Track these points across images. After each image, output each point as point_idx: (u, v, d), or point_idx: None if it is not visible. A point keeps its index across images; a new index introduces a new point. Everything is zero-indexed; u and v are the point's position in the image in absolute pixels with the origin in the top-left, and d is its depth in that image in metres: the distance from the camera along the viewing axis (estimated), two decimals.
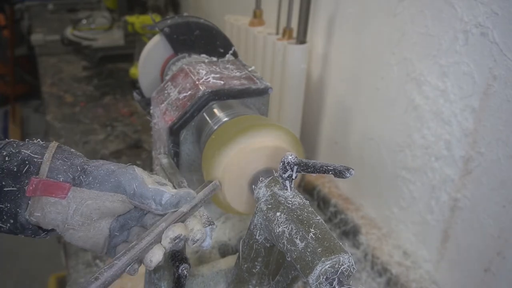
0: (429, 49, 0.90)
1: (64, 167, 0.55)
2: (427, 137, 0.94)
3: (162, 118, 0.80)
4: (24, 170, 0.53)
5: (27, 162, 0.54)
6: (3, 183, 0.53)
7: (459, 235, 0.91)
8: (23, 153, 0.55)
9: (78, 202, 0.54)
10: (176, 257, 0.63)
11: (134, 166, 0.58)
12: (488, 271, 0.85)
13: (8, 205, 0.53)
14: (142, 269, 1.00)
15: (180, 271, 0.62)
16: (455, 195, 0.90)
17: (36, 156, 0.55)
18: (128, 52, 2.08)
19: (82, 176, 0.55)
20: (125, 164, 0.59)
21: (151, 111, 0.88)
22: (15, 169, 0.53)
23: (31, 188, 0.52)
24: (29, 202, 0.53)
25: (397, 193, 1.05)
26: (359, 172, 1.17)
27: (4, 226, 0.54)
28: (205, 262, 0.80)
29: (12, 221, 0.54)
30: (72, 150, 0.59)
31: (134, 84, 1.74)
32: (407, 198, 1.03)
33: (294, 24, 1.19)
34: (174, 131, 0.78)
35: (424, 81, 0.92)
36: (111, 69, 2.21)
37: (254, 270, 0.62)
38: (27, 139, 0.59)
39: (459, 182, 0.89)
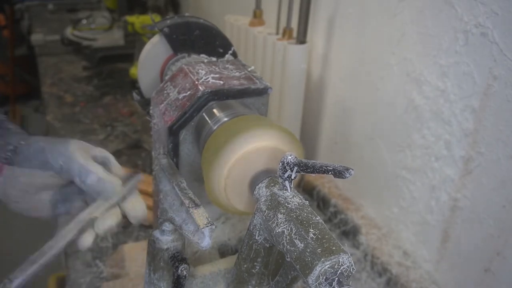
0: (429, 49, 0.90)
1: None
2: (427, 137, 0.94)
3: (161, 118, 0.80)
4: None
5: None
6: None
7: (459, 235, 0.91)
8: None
9: (12, 179, 0.57)
10: (175, 258, 0.63)
11: (71, 141, 0.58)
12: (488, 271, 0.85)
13: None
14: (142, 269, 1.00)
15: (179, 271, 0.62)
16: (455, 195, 0.90)
17: None
18: (128, 52, 2.08)
19: (14, 156, 0.57)
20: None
21: (151, 111, 0.88)
22: None
23: None
24: None
25: (397, 193, 1.05)
26: (359, 172, 1.16)
27: None
28: (205, 262, 0.80)
29: None
30: (10, 125, 0.60)
31: (134, 84, 1.74)
32: (407, 198, 1.02)
33: (294, 24, 1.19)
34: (174, 131, 0.78)
35: (424, 81, 0.92)
36: (111, 69, 2.21)
37: (253, 271, 0.62)
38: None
39: (459, 182, 0.89)
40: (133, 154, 1.52)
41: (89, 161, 0.56)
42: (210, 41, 0.96)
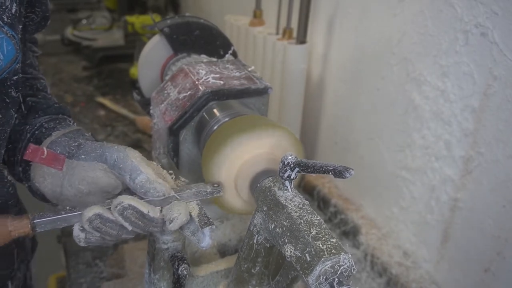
0: (429, 49, 0.90)
1: (65, 143, 0.61)
2: (427, 137, 0.94)
3: (162, 118, 0.80)
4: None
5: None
6: None
7: (459, 235, 0.91)
8: (55, 128, 0.64)
9: (69, 172, 0.59)
10: (176, 258, 0.63)
11: (130, 148, 0.60)
12: (488, 271, 0.85)
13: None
14: (142, 269, 1.00)
15: (180, 271, 0.62)
16: (455, 195, 0.90)
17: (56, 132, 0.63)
18: (128, 52, 2.08)
19: (76, 150, 0.60)
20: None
21: (151, 111, 0.88)
22: (42, 140, 0.63)
23: (27, 152, 0.58)
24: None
25: (397, 193, 1.05)
26: (359, 172, 1.16)
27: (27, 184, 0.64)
28: (205, 262, 0.80)
29: (29, 183, 0.63)
30: (87, 134, 0.65)
31: (134, 84, 1.74)
32: (407, 198, 1.03)
33: (294, 24, 1.19)
34: (174, 131, 0.78)
35: (424, 81, 0.92)
36: (111, 69, 2.21)
37: (253, 270, 0.62)
38: (70, 120, 0.70)
39: (459, 182, 0.89)
40: None
41: (142, 163, 0.57)
42: (210, 41, 0.96)
